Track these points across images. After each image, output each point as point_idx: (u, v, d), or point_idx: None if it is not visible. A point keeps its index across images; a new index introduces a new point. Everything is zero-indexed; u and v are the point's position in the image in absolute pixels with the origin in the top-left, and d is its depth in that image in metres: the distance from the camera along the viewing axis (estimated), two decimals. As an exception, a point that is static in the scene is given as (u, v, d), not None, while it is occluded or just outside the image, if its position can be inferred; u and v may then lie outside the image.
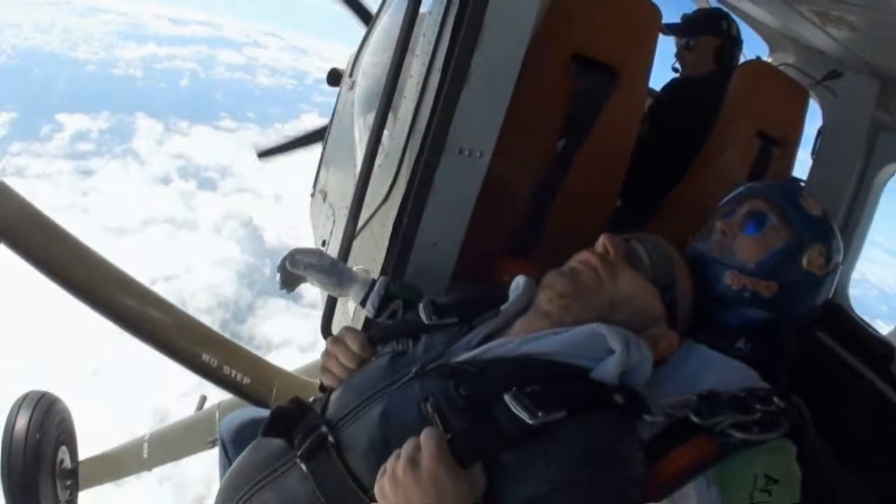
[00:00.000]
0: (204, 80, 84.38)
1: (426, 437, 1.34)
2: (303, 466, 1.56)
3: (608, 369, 1.48)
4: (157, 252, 43.62)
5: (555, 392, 1.41)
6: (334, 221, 3.61)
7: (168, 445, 5.35)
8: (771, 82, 3.43)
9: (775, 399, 1.70)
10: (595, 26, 2.82)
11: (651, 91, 3.90)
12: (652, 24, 2.93)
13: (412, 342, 1.69)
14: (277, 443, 1.65)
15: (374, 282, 2.23)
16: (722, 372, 1.78)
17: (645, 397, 1.51)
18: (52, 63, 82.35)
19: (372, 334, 1.82)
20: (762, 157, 3.25)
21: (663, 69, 4.25)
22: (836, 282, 2.13)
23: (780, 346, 2.05)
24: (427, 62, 2.37)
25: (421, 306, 1.82)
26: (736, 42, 4.11)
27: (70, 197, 50.15)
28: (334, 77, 4.77)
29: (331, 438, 1.55)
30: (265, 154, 6.20)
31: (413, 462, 1.31)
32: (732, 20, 4.09)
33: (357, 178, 2.61)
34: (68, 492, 4.84)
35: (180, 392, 22.25)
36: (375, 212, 2.68)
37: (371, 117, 2.80)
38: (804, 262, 2.00)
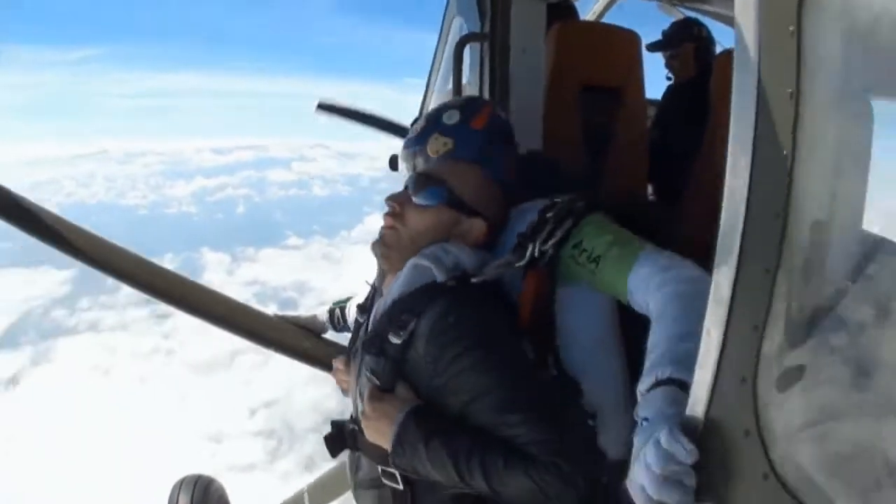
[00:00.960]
0: (260, 203, 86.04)
1: (365, 391, 2.06)
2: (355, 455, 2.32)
3: (438, 277, 2.05)
4: (252, 381, 41.48)
5: (407, 311, 2.01)
6: None
7: (328, 489, 5.44)
8: None
9: (557, 200, 2.12)
10: (593, 61, 3.75)
11: (653, 101, 4.70)
12: (636, 47, 3.94)
13: (357, 340, 2.36)
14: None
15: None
16: (529, 214, 2.17)
17: (469, 270, 2.08)
18: (102, 213, 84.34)
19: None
20: None
21: (662, 81, 5.11)
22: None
23: (530, 177, 2.43)
24: None
25: (355, 309, 2.57)
26: (709, 42, 4.93)
27: (152, 342, 48.84)
28: (394, 162, 4.23)
29: (356, 428, 2.21)
30: (326, 108, 5.12)
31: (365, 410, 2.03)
32: (702, 24, 4.97)
33: None
34: None
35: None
36: None
37: None
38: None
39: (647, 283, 1.89)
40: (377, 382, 2.01)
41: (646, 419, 1.53)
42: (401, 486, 2.04)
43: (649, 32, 4.64)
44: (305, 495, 5.50)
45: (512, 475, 1.73)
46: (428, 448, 1.84)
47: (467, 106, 2.41)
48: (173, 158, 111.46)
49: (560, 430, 1.77)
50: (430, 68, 4.56)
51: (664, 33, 4.99)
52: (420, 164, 2.34)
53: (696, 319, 1.50)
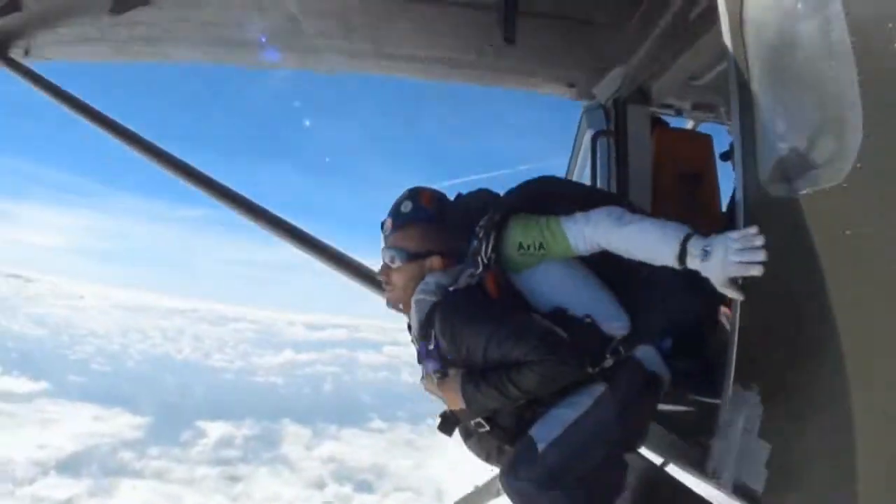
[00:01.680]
0: (347, 383, 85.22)
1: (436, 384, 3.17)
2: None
3: (432, 300, 3.07)
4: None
5: (426, 329, 3.05)
6: None
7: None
8: None
9: (482, 222, 3.14)
10: (686, 156, 5.77)
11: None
12: (709, 144, 5.95)
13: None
14: None
15: None
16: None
17: (448, 285, 3.07)
18: (187, 371, 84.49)
19: None
20: None
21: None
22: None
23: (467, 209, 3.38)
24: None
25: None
26: None
27: (217, 502, 50.27)
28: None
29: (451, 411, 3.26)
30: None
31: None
32: None
33: None
34: None
35: None
36: None
37: None
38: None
39: (582, 233, 2.94)
40: (438, 376, 3.06)
41: (706, 248, 2.56)
42: (487, 427, 3.06)
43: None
44: None
45: (526, 377, 2.70)
46: (480, 392, 2.83)
47: (406, 194, 3.39)
48: (266, 328, 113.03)
49: (539, 336, 2.71)
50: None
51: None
52: (385, 243, 3.36)
53: (630, 219, 2.85)
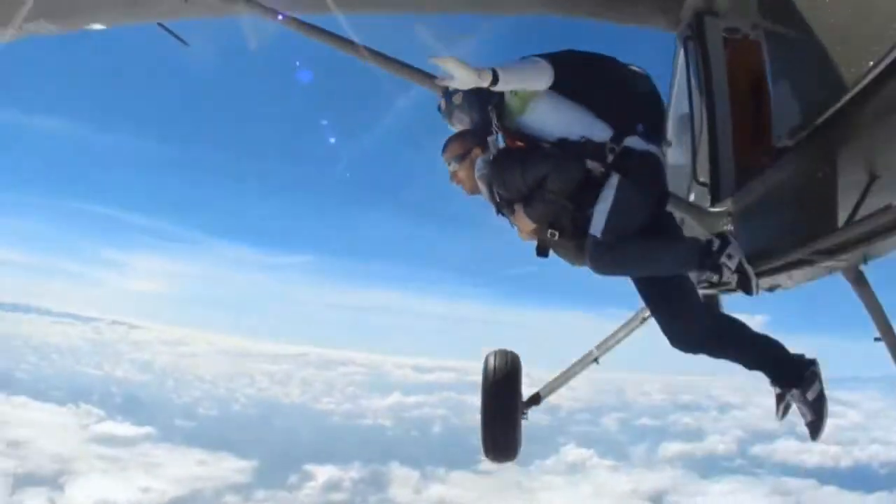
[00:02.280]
0: (457, 425, 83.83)
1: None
2: None
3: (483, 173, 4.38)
4: None
5: (489, 189, 4.37)
6: None
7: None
8: None
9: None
10: (751, 66, 5.67)
11: None
12: (763, 54, 5.62)
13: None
14: None
15: None
16: None
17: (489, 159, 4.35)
18: (294, 414, 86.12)
19: None
20: None
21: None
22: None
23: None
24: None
25: None
26: None
27: None
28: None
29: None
30: None
31: None
32: None
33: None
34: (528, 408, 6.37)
35: None
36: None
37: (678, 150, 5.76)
38: None
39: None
40: (510, 215, 4.26)
41: None
42: (557, 234, 4.14)
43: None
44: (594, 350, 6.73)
45: (553, 181, 4.05)
46: (534, 207, 4.06)
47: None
48: (374, 371, 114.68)
49: (548, 153, 4.09)
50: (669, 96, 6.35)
51: None
52: (444, 159, 4.73)
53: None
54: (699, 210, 5.18)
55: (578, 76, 4.19)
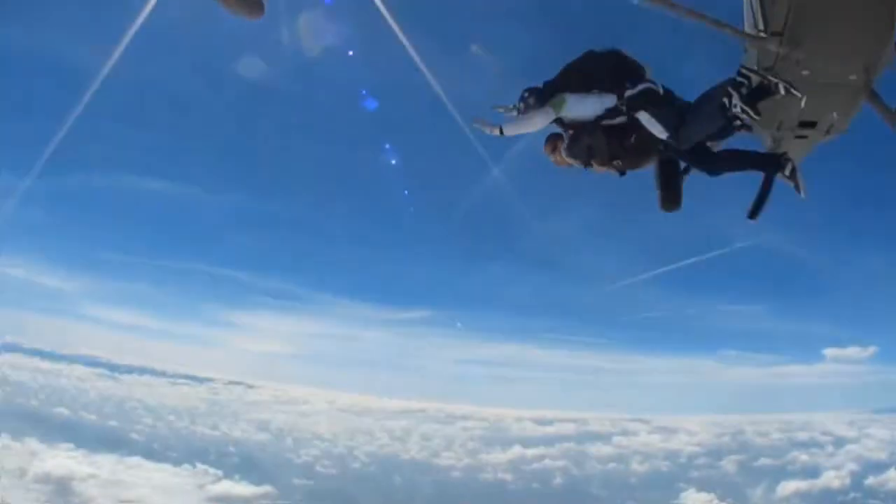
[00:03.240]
0: (577, 476, 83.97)
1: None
2: None
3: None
4: None
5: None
6: None
7: None
8: None
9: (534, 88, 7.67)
10: None
11: None
12: None
13: None
14: None
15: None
16: None
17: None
18: (414, 470, 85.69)
19: None
20: None
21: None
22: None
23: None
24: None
25: None
26: None
27: None
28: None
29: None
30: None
31: None
32: None
33: None
34: None
35: None
36: None
37: None
38: None
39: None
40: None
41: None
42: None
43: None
44: None
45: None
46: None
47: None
48: (493, 425, 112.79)
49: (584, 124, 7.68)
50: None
51: None
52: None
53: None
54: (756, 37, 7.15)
55: (580, 77, 7.43)
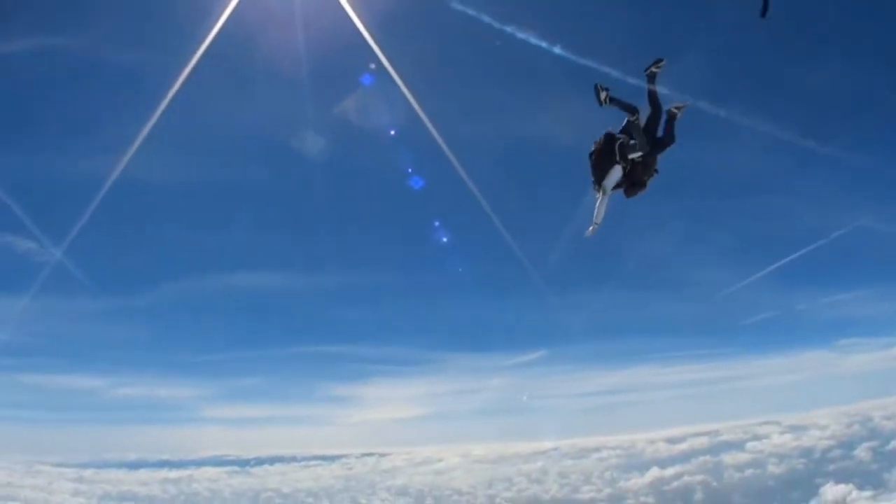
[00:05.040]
0: (717, 489, 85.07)
1: None
2: None
3: None
4: None
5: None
6: None
7: None
8: None
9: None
10: None
11: None
12: None
13: None
14: None
15: None
16: None
17: None
18: None
19: None
20: None
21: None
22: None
23: None
24: None
25: None
26: None
27: None
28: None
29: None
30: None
31: None
32: None
33: None
34: None
35: None
36: None
37: None
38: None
39: None
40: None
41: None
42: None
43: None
44: None
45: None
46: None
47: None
48: (627, 451, 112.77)
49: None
50: None
51: None
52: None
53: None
54: None
55: (601, 167, 11.70)
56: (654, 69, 11.15)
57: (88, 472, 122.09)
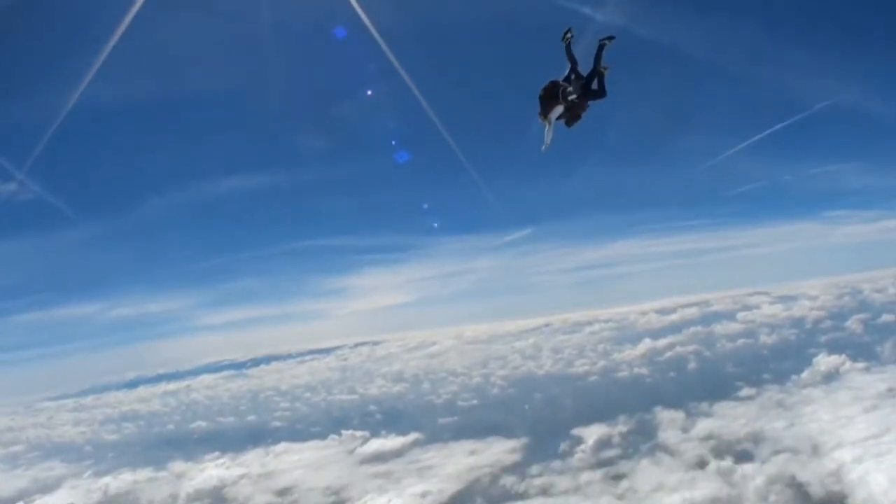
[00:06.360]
0: (710, 358, 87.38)
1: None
2: None
3: None
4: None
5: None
6: None
7: None
8: None
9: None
10: None
11: None
12: None
13: None
14: None
15: None
16: None
17: None
18: (552, 384, 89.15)
19: None
20: None
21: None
22: None
23: None
24: None
25: None
26: None
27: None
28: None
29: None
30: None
31: None
32: None
33: None
34: None
35: None
36: None
37: None
38: None
39: None
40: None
41: None
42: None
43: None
44: None
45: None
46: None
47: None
48: (619, 324, 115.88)
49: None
50: None
51: None
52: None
53: None
54: None
55: (550, 101, 13.20)
56: (605, 41, 13.13)
57: (88, 400, 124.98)
